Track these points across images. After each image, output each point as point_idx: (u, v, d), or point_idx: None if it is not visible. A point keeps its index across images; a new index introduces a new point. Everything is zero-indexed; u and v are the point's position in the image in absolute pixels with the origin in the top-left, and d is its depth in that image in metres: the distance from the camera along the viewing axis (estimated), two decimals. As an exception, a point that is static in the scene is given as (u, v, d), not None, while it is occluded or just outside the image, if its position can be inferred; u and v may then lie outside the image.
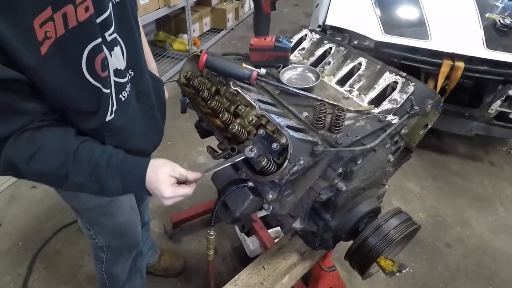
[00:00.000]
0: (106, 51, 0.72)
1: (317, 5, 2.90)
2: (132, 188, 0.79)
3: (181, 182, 0.79)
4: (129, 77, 0.85)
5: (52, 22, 0.60)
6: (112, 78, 0.77)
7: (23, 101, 0.66)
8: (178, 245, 1.92)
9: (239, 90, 0.93)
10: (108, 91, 0.75)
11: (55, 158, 0.71)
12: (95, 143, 0.77)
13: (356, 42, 2.29)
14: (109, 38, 0.74)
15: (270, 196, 0.80)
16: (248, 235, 1.81)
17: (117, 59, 0.78)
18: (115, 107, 0.80)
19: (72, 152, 0.72)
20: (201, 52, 0.98)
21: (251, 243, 1.76)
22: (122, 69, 0.81)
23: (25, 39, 0.58)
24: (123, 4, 0.78)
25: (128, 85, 0.85)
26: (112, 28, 0.74)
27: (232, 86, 0.95)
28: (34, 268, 1.77)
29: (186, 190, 0.78)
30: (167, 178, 0.76)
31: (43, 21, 0.59)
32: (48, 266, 1.78)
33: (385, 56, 2.20)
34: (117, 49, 0.77)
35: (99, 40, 0.69)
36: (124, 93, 0.83)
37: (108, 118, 0.78)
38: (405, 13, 2.52)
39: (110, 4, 0.72)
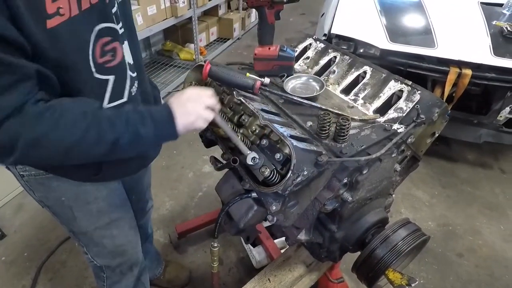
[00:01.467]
0: (118, 42, 0.75)
1: (323, 14, 2.91)
2: (163, 128, 0.76)
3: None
4: (134, 75, 0.87)
5: (67, 0, 0.61)
6: (128, 72, 0.81)
7: (26, 65, 0.61)
8: (183, 256, 1.91)
9: (242, 99, 0.92)
10: (104, 77, 0.75)
11: (83, 119, 0.66)
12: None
13: (362, 51, 2.28)
14: (120, 31, 0.76)
15: (274, 208, 0.79)
16: (254, 245, 1.79)
17: (127, 53, 0.81)
18: (123, 99, 0.81)
19: (97, 107, 0.70)
20: (205, 62, 0.98)
21: (257, 254, 1.73)
22: (132, 63, 0.84)
23: (34, 4, 0.58)
24: (125, 3, 0.82)
25: (136, 82, 0.87)
26: (121, 23, 0.77)
27: (235, 95, 0.95)
28: (39, 279, 1.76)
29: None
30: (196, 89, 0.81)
31: None
32: (53, 277, 1.78)
33: (391, 64, 2.19)
34: (126, 44, 0.80)
35: (105, 24, 0.70)
36: (134, 88, 0.85)
37: (107, 105, 0.78)
38: (411, 21, 2.51)
39: (116, 3, 0.75)
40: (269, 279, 1.17)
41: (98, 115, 0.68)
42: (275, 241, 1.70)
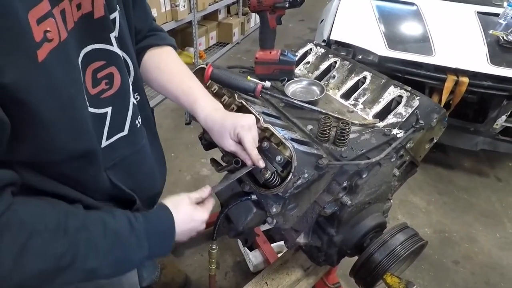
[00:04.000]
0: (114, 66, 0.62)
1: (322, 21, 2.94)
2: (159, 248, 0.66)
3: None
4: (135, 101, 0.73)
5: (54, 20, 0.46)
6: (131, 99, 0.68)
7: None
8: (179, 259, 1.90)
9: (243, 102, 0.93)
10: (100, 111, 0.61)
11: (57, 242, 0.50)
12: (94, 210, 0.60)
13: (360, 57, 2.31)
14: (118, 52, 0.63)
15: (274, 210, 0.80)
16: (251, 249, 1.78)
17: (125, 76, 0.67)
18: (124, 132, 0.68)
19: (79, 225, 0.54)
20: (206, 65, 0.99)
21: (253, 258, 1.73)
22: (132, 86, 0.71)
23: (17, 35, 0.41)
24: (123, 14, 0.67)
25: (138, 109, 0.74)
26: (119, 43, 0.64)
27: (237, 98, 0.95)
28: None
29: (211, 201, 0.77)
30: (193, 207, 0.72)
31: (41, 16, 0.44)
32: None
33: (389, 71, 2.21)
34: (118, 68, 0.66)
35: (95, 46, 0.56)
36: (139, 119, 0.73)
37: (104, 143, 0.64)
38: (409, 29, 2.55)
39: (117, 13, 0.62)
40: (266, 282, 1.16)
41: (78, 235, 0.53)
42: (272, 245, 1.70)
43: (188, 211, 0.70)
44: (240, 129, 0.74)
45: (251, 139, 0.74)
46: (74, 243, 0.52)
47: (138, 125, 0.71)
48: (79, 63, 0.54)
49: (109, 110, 0.63)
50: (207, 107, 0.79)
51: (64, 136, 0.52)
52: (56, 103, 0.49)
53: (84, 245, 0.53)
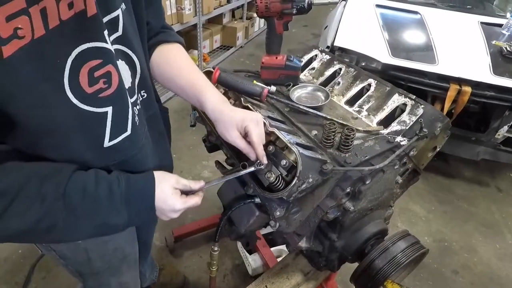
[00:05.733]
0: (111, 65, 0.61)
1: (326, 27, 2.96)
2: (139, 217, 0.69)
3: (184, 193, 0.73)
4: (141, 98, 0.75)
5: (28, 17, 0.47)
6: (129, 99, 0.68)
7: None
8: (178, 260, 1.90)
9: (249, 106, 0.94)
10: (99, 110, 0.61)
11: (34, 209, 0.56)
12: (80, 172, 0.62)
13: (363, 64, 2.32)
14: (115, 47, 0.63)
15: (278, 213, 0.80)
16: (250, 252, 1.78)
17: (127, 74, 0.68)
18: (127, 132, 0.68)
19: (57, 194, 0.57)
20: (213, 68, 1.00)
21: (253, 261, 1.73)
22: (137, 83, 0.73)
23: None
24: (131, 12, 0.68)
25: (137, 107, 0.73)
26: (117, 35, 0.63)
27: (243, 102, 0.96)
28: (32, 277, 1.74)
29: (195, 199, 0.72)
30: (173, 190, 0.69)
31: (12, 14, 0.45)
32: (46, 276, 1.76)
33: (392, 78, 2.23)
34: (121, 63, 0.66)
35: (90, 44, 0.56)
36: (138, 116, 0.72)
37: (108, 143, 0.65)
38: (413, 37, 2.56)
39: (120, 11, 0.62)
40: (266, 286, 1.16)
41: (56, 204, 0.57)
42: (271, 249, 1.70)
43: (166, 191, 0.69)
44: (249, 122, 0.74)
45: (258, 133, 0.75)
46: (50, 210, 0.57)
47: (138, 123, 0.71)
48: (69, 61, 0.53)
49: (109, 109, 0.62)
50: (215, 99, 0.79)
51: (45, 133, 0.57)
52: (26, 100, 0.51)
53: (62, 212, 0.58)
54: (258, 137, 0.75)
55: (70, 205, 0.58)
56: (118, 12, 0.62)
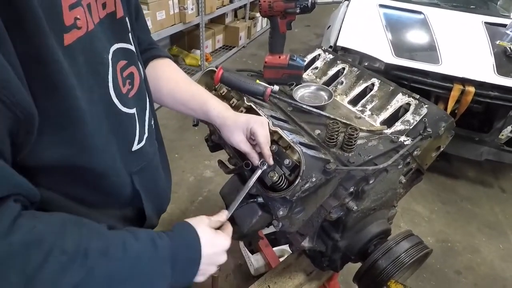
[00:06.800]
0: (134, 66, 0.62)
1: (329, 27, 2.96)
2: (184, 274, 0.57)
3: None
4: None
5: (82, 9, 0.47)
6: (147, 100, 0.68)
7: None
8: (181, 260, 1.90)
9: (252, 105, 0.94)
10: (131, 111, 0.60)
11: (74, 269, 0.41)
12: (115, 230, 0.51)
13: (366, 64, 2.32)
14: (136, 52, 0.64)
15: (281, 213, 0.80)
16: (252, 252, 1.78)
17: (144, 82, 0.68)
18: (146, 135, 0.66)
19: (101, 248, 0.45)
20: (217, 67, 1.00)
21: (255, 261, 1.73)
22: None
23: (52, 13, 0.42)
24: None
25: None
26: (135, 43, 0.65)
27: (245, 101, 0.96)
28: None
29: (229, 228, 0.70)
30: (213, 230, 0.63)
31: (73, 3, 0.45)
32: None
33: (395, 78, 2.22)
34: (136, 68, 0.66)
35: (120, 45, 0.57)
36: (152, 119, 0.72)
37: (136, 146, 0.63)
38: (416, 37, 2.55)
39: (131, 19, 0.64)
40: (269, 285, 1.16)
41: (97, 260, 0.44)
42: (274, 249, 1.70)
43: (210, 233, 0.61)
44: (254, 124, 0.76)
45: (265, 135, 0.76)
46: (91, 272, 0.43)
47: (153, 126, 0.71)
48: (109, 58, 0.54)
49: (135, 111, 0.62)
50: (219, 106, 0.81)
51: (94, 130, 0.51)
52: (76, 93, 0.47)
53: (101, 275, 0.44)
54: (264, 137, 0.76)
55: (109, 265, 0.46)
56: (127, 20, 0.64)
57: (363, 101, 1.10)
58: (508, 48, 2.33)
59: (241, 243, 1.88)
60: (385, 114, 1.03)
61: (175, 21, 3.16)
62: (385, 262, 0.89)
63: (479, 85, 2.14)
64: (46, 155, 0.47)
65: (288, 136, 0.80)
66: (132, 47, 0.62)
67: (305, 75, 1.28)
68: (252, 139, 0.78)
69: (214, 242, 0.61)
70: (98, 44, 0.52)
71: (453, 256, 2.06)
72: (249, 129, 0.76)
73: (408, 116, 0.99)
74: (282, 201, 0.80)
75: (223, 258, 0.65)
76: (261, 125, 0.76)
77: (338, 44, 2.39)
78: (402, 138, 0.94)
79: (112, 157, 0.57)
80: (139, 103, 0.64)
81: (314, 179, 0.76)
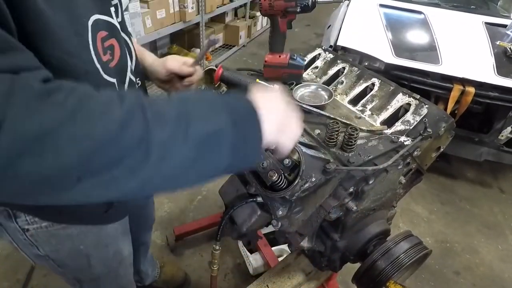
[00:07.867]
0: (115, 39, 0.64)
1: (329, 26, 2.95)
2: (244, 125, 0.47)
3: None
4: (138, 84, 0.79)
5: None
6: (128, 74, 0.70)
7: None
8: (179, 259, 1.89)
9: (252, 104, 0.93)
10: (111, 80, 0.61)
11: (115, 107, 0.37)
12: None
13: (366, 64, 2.31)
14: (118, 26, 0.66)
15: (280, 213, 0.80)
16: (251, 252, 1.78)
17: (127, 56, 0.70)
18: None
19: (136, 97, 0.40)
20: (216, 66, 0.99)
21: (254, 261, 1.72)
22: (133, 69, 0.74)
23: None
24: (120, 5, 0.71)
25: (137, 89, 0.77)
26: (120, 18, 0.68)
27: (245, 100, 0.96)
28: (34, 274, 1.74)
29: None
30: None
31: None
32: (47, 273, 1.76)
33: (395, 78, 2.22)
34: (124, 46, 0.69)
35: (101, 16, 0.59)
36: None
37: None
38: (416, 37, 2.55)
39: (117, 0, 0.67)
40: (267, 285, 1.16)
41: (142, 102, 0.40)
42: (272, 248, 1.70)
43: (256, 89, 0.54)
44: (167, 62, 0.92)
45: (176, 64, 0.92)
46: (133, 113, 0.38)
47: None
48: (89, 24, 0.56)
49: (115, 81, 0.64)
50: (153, 56, 0.95)
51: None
52: (63, 45, 0.50)
53: (149, 111, 0.39)
54: (176, 65, 0.91)
55: (153, 102, 0.41)
56: (116, 1, 0.68)
57: (363, 101, 1.09)
58: (508, 49, 2.32)
59: (240, 243, 1.88)
60: (385, 114, 1.03)
61: (175, 19, 3.15)
62: (384, 262, 0.89)
63: (479, 85, 2.14)
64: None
65: (287, 136, 0.79)
66: (114, 22, 0.65)
67: (305, 75, 1.27)
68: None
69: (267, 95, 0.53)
70: (79, 7, 0.53)
71: (452, 256, 2.06)
72: (166, 66, 0.90)
73: (408, 116, 0.99)
74: (281, 201, 0.80)
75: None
76: (172, 59, 0.92)
77: (338, 43, 2.39)
78: (402, 138, 0.93)
79: None
80: (118, 76, 0.65)
81: (313, 179, 0.76)
